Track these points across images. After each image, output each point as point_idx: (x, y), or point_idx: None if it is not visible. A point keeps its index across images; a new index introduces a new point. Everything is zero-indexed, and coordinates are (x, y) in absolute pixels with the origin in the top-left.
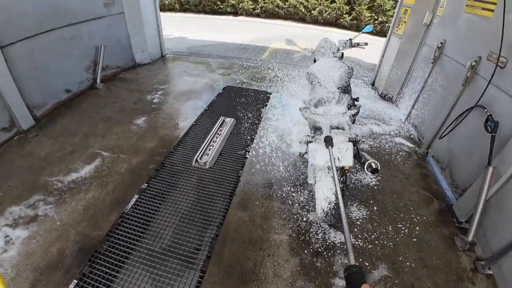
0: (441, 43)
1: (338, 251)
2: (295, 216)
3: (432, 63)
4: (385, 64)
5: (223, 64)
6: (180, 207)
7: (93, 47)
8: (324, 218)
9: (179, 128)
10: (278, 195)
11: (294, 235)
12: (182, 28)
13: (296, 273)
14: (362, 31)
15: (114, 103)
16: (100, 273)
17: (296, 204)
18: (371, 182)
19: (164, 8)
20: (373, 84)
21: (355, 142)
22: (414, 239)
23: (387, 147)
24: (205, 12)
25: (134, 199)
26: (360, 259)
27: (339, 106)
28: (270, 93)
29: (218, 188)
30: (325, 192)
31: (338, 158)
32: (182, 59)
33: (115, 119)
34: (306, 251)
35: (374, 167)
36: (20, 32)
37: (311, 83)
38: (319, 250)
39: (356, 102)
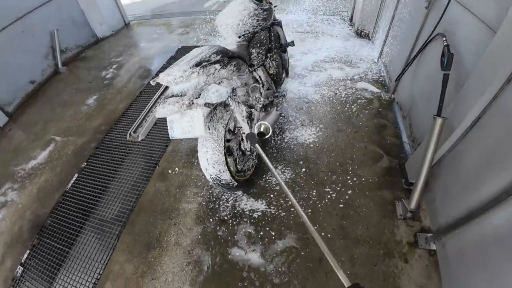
0: None
1: (245, 219)
2: (210, 183)
3: None
4: None
5: (185, 22)
6: (111, 181)
7: (47, 34)
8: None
9: (124, 101)
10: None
11: (204, 203)
12: None
13: (196, 241)
14: None
15: (73, 85)
16: (45, 244)
17: None
18: (308, 139)
19: None
20: (351, 19)
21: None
22: (341, 205)
23: (343, 95)
24: None
25: (74, 178)
26: (267, 228)
27: (180, 67)
28: None
29: (145, 160)
30: (203, 163)
31: (189, 130)
32: (145, 24)
33: (70, 102)
34: (211, 220)
35: (260, 130)
36: None
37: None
38: (225, 218)
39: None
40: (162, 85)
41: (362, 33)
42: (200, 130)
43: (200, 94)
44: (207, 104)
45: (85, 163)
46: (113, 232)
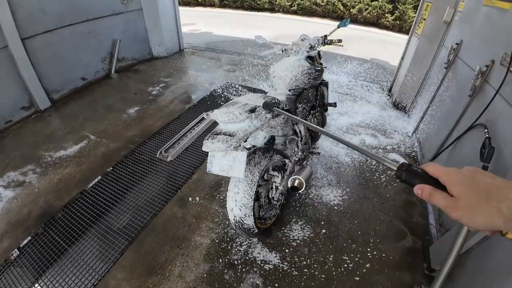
0: (457, 44)
1: (255, 269)
2: (227, 222)
3: (445, 68)
4: (403, 68)
5: (233, 61)
6: (129, 193)
7: (110, 40)
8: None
9: (163, 120)
10: (221, 198)
11: (217, 241)
12: (213, 24)
13: (200, 279)
14: (338, 26)
15: (120, 92)
16: (49, 235)
17: None
18: (333, 200)
19: (204, 3)
20: (390, 90)
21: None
22: (357, 278)
23: (373, 162)
24: (243, 8)
25: (96, 180)
26: (276, 284)
27: (236, 109)
28: (267, 93)
29: (168, 181)
30: (231, 203)
31: (228, 169)
32: (197, 53)
33: (113, 107)
34: (221, 260)
35: (293, 185)
36: (40, 26)
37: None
38: (235, 262)
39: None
40: (197, 116)
41: (399, 105)
42: (239, 172)
43: (247, 138)
44: (248, 147)
45: (111, 168)
46: (118, 245)
